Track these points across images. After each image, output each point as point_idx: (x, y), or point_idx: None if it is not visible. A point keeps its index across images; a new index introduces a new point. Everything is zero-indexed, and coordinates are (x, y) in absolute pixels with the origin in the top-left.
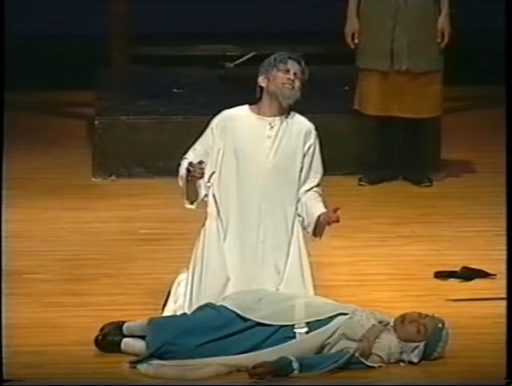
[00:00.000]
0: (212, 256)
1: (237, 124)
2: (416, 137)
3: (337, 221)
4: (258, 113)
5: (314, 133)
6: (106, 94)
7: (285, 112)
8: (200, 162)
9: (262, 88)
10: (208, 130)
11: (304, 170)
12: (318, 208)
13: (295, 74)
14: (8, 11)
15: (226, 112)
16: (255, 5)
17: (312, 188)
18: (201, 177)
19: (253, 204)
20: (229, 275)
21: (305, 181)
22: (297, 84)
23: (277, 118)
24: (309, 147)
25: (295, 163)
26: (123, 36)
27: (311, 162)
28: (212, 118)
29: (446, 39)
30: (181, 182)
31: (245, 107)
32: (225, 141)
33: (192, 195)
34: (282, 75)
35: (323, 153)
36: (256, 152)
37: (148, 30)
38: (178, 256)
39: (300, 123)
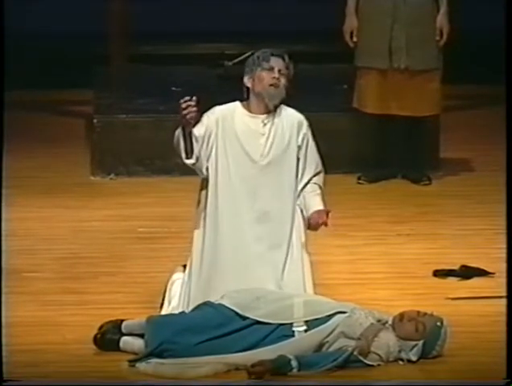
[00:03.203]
0: (202, 256)
1: (231, 122)
2: (415, 135)
3: (325, 225)
4: (250, 111)
5: (306, 123)
6: (105, 92)
7: (274, 108)
8: (192, 99)
9: (248, 87)
10: (204, 116)
11: (301, 161)
12: (314, 204)
13: (279, 71)
14: (8, 10)
15: (219, 109)
16: (254, 3)
17: (311, 179)
18: (196, 110)
19: (247, 203)
20: (221, 275)
21: (303, 173)
22: (282, 81)
23: (268, 115)
24: (303, 138)
25: (291, 157)
26: (122, 35)
27: (306, 152)
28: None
29: (445, 37)
30: (177, 141)
31: (237, 104)
32: (220, 133)
33: (189, 148)
34: (267, 75)
35: (322, 151)
36: (250, 150)
37: (147, 29)
38: (177, 254)
39: (291, 116)
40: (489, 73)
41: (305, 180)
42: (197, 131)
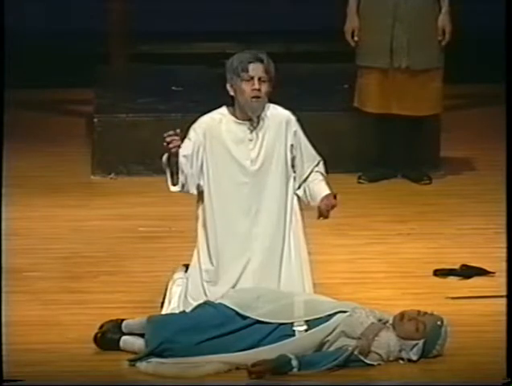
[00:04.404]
0: (201, 261)
1: (218, 132)
2: (416, 134)
3: (334, 207)
4: (236, 117)
5: (293, 118)
6: (105, 92)
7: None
8: (176, 132)
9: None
10: (191, 131)
11: (297, 157)
12: (320, 191)
13: (259, 79)
14: (8, 9)
15: (205, 120)
16: (255, 3)
17: (313, 169)
18: (178, 145)
19: (243, 209)
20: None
21: (302, 167)
22: (263, 89)
23: (254, 120)
24: (294, 135)
25: (282, 158)
26: (122, 34)
27: (300, 148)
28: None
29: (447, 37)
30: (164, 168)
31: (224, 111)
32: (208, 145)
33: (175, 176)
34: (247, 86)
35: (322, 150)
36: (240, 157)
37: (147, 28)
38: (177, 253)
39: (277, 115)
40: (489, 72)
41: (306, 173)
42: (186, 150)
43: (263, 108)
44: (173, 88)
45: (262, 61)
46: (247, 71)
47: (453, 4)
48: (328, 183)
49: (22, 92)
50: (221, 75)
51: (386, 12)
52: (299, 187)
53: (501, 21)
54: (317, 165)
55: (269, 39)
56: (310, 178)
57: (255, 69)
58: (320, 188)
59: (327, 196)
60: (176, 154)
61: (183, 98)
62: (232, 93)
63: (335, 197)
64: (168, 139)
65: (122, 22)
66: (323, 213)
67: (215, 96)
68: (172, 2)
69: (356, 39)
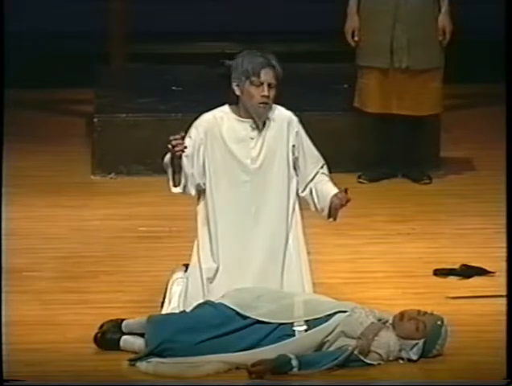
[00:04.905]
0: (201, 260)
1: (219, 130)
2: (416, 134)
3: (348, 201)
4: (239, 115)
5: (295, 119)
6: (105, 92)
7: None
8: (181, 136)
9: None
10: (193, 129)
11: (300, 158)
12: (328, 191)
13: (269, 85)
14: (7, 9)
15: (206, 119)
16: (255, 3)
17: (318, 171)
18: (183, 148)
19: (244, 207)
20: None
21: (306, 168)
22: (272, 95)
23: (257, 120)
24: (296, 135)
25: (284, 158)
26: (122, 34)
27: (303, 149)
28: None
29: (448, 37)
30: (166, 168)
31: (226, 109)
32: (208, 144)
33: (177, 177)
34: (256, 91)
35: (322, 150)
36: (241, 156)
37: (147, 28)
38: (177, 253)
39: (279, 115)
40: (489, 72)
41: (311, 174)
42: (187, 150)
43: (267, 114)
44: (173, 88)
45: (273, 67)
46: (258, 76)
47: (453, 4)
48: (335, 184)
49: (22, 92)
50: (222, 75)
51: (386, 12)
52: (304, 189)
53: (502, 21)
54: (321, 167)
55: (269, 39)
56: (315, 180)
57: (266, 75)
58: (328, 188)
59: (338, 193)
60: (180, 157)
61: (183, 98)
62: (238, 93)
63: (346, 192)
64: (174, 142)
65: (122, 22)
66: (336, 207)
67: (215, 96)
68: (172, 2)
69: (356, 38)
